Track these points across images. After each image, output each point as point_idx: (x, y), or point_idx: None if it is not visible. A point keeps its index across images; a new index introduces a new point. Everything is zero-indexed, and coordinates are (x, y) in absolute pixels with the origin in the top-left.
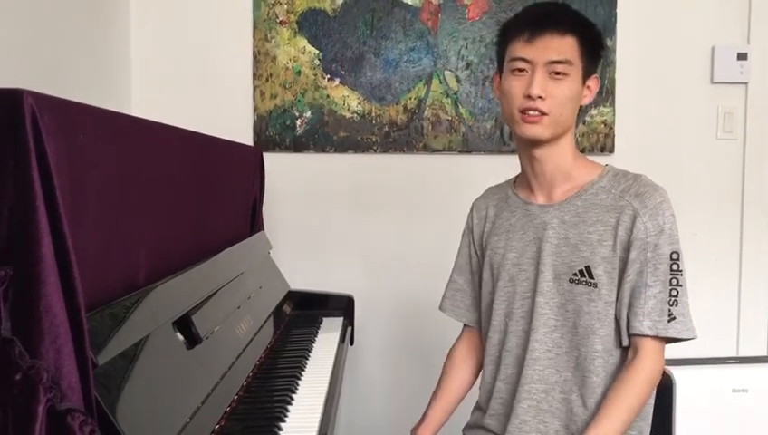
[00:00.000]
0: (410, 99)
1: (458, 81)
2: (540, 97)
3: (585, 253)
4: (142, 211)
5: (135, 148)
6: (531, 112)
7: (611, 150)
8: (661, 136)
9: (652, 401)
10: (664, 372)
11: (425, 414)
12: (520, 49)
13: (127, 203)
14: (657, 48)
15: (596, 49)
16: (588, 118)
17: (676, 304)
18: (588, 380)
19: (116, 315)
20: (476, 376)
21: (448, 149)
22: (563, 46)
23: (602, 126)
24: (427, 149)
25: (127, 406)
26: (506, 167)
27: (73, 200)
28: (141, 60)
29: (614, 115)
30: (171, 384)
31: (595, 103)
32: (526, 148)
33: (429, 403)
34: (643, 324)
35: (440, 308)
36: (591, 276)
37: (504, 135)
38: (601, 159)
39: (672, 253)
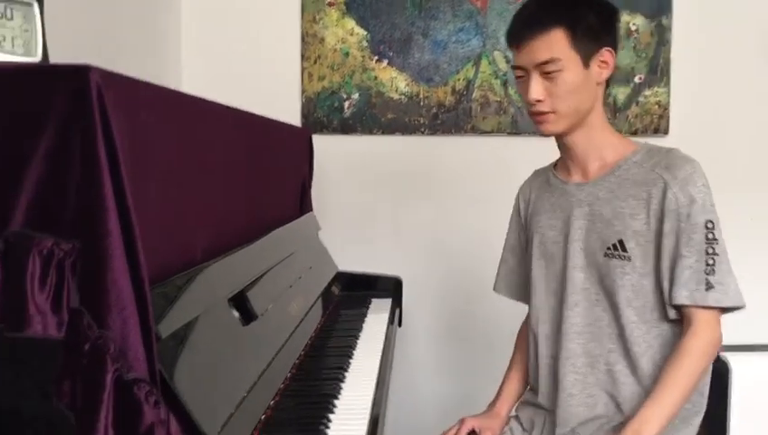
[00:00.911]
0: (459, 80)
1: (508, 61)
2: (539, 100)
3: (618, 227)
4: (199, 189)
5: (193, 126)
6: (537, 116)
7: (666, 132)
8: (719, 117)
9: (708, 377)
10: (719, 357)
11: (500, 390)
12: (514, 57)
13: (184, 181)
14: (716, 26)
15: (594, 28)
16: (641, 99)
17: (714, 273)
18: (630, 351)
19: (174, 291)
20: None
21: (497, 130)
22: (548, 45)
23: (656, 107)
24: (475, 130)
25: (187, 380)
26: (555, 149)
27: (135, 177)
28: (191, 42)
29: (669, 96)
30: (228, 360)
31: (649, 84)
32: (556, 136)
33: (503, 379)
34: (681, 295)
35: (495, 289)
36: (625, 250)
37: None
38: (655, 141)
39: (707, 222)
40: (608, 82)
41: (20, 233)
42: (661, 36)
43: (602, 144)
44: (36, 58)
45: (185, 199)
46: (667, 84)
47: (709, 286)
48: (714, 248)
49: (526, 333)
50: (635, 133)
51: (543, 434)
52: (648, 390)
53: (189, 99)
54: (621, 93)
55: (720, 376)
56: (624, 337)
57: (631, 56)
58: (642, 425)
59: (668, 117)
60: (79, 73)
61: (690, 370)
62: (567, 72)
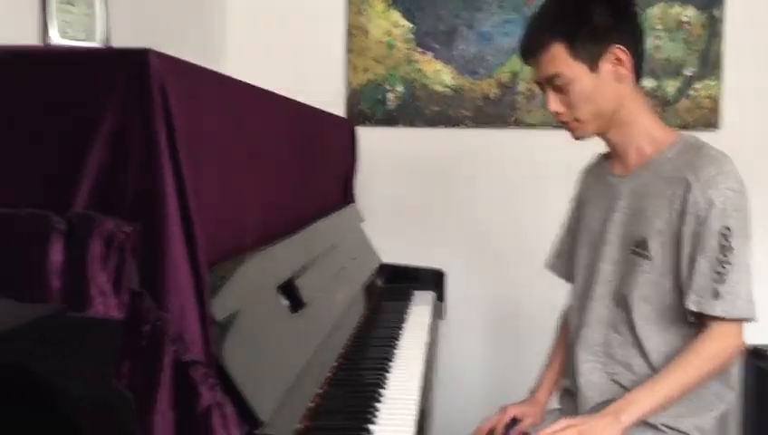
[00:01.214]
0: (504, 72)
1: None
2: (558, 113)
3: (644, 225)
4: (249, 176)
5: (245, 113)
6: (564, 125)
7: (717, 126)
8: None
9: (735, 371)
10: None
11: (540, 377)
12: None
13: (236, 167)
14: None
15: (599, 30)
16: (692, 92)
17: (723, 282)
18: (646, 348)
19: (225, 276)
20: None
21: (543, 124)
22: (549, 62)
23: (707, 100)
24: (520, 124)
25: (239, 364)
26: (602, 142)
27: (190, 161)
28: (236, 33)
29: (720, 89)
30: (277, 346)
31: (700, 77)
32: None
33: (544, 366)
34: (690, 300)
35: (546, 265)
36: (646, 248)
37: None
38: (705, 136)
39: (723, 228)
40: (638, 74)
41: (83, 214)
42: (713, 28)
43: (640, 137)
44: (97, 43)
45: (236, 186)
46: (719, 78)
47: (717, 295)
48: (727, 256)
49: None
50: (685, 127)
51: (569, 414)
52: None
53: (243, 85)
54: (671, 86)
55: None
56: (641, 334)
57: (682, 48)
58: (628, 405)
59: (719, 111)
60: (140, 57)
61: (693, 369)
62: (575, 83)
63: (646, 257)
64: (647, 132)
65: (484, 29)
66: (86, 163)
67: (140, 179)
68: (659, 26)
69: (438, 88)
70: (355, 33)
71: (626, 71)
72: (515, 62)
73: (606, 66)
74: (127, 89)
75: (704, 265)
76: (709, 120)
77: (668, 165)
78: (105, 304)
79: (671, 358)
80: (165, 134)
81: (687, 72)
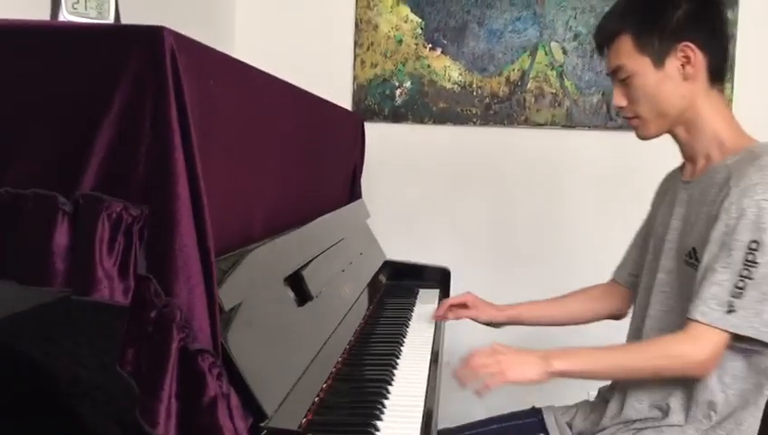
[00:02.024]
0: (513, 70)
1: (565, 52)
2: (620, 107)
3: (695, 233)
4: (259, 166)
5: (256, 99)
6: (628, 121)
7: None
8: None
9: (765, 396)
10: None
11: (526, 302)
12: None
13: (245, 154)
14: None
15: (671, 25)
16: None
17: (741, 297)
18: None
19: (232, 266)
20: (584, 320)
21: (551, 123)
22: (615, 53)
23: None
24: (528, 123)
25: (246, 355)
26: (611, 143)
27: (201, 145)
28: (244, 24)
29: (732, 93)
30: (283, 339)
31: None
32: None
33: (541, 301)
34: (697, 309)
35: (613, 276)
36: (695, 258)
37: (610, 110)
38: None
39: (751, 241)
40: (718, 76)
41: (90, 195)
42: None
43: (709, 142)
44: (109, 20)
45: (245, 174)
46: (731, 80)
47: (731, 309)
48: (750, 271)
49: (584, 291)
50: None
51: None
52: (705, 411)
53: (254, 71)
54: None
55: None
56: None
57: None
58: (565, 354)
59: None
60: (153, 35)
61: (648, 358)
62: (637, 77)
63: (694, 268)
64: (716, 137)
65: (495, 26)
66: (95, 142)
67: (150, 160)
68: None
69: (447, 84)
70: (364, 27)
71: (695, 70)
72: (525, 60)
73: (673, 63)
74: (140, 67)
75: (724, 276)
76: None
77: (724, 172)
78: (111, 289)
79: (708, 381)
80: (177, 115)
81: None
